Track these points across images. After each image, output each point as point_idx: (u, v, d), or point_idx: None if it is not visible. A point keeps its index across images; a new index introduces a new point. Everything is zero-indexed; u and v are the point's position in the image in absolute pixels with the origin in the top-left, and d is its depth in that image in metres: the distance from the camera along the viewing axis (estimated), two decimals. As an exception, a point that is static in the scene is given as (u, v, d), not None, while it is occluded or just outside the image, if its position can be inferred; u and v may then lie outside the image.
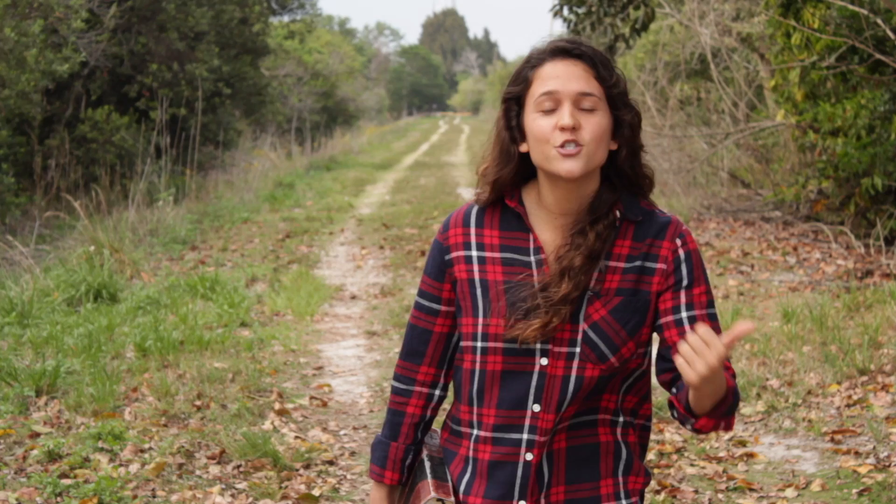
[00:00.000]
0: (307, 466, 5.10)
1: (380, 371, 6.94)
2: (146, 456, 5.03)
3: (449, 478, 2.20)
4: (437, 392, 2.26)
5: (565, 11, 10.72)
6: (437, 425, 2.42)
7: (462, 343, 2.18)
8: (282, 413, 5.84)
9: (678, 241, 2.12)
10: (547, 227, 2.14)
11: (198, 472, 4.91)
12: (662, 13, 14.51)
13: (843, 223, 10.90)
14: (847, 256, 9.83)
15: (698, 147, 14.49)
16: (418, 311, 2.25)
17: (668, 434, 5.49)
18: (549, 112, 2.07)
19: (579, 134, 2.05)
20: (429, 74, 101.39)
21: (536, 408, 2.10)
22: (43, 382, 5.93)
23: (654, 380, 2.21)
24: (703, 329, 1.90)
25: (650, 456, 5.15)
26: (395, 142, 42.84)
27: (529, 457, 2.12)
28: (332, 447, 5.39)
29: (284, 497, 4.67)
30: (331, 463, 5.17)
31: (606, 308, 2.09)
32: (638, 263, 2.11)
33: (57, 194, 13.54)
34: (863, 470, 4.81)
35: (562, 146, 2.05)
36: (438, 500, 2.16)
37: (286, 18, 25.60)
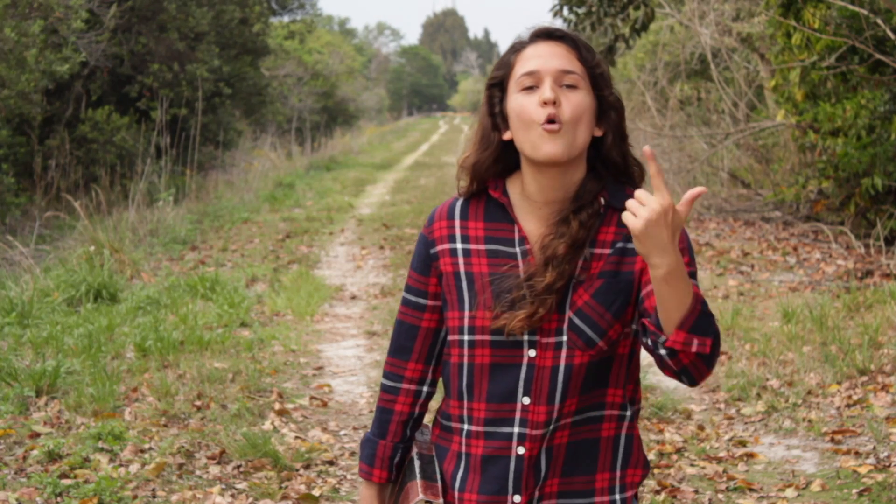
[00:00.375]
0: (307, 466, 5.10)
1: (380, 371, 6.92)
2: (146, 456, 5.03)
3: (439, 477, 2.18)
4: (426, 388, 2.24)
5: (565, 11, 10.72)
6: (428, 420, 2.40)
7: (449, 337, 2.16)
8: (282, 413, 5.84)
9: None
10: (531, 217, 2.11)
11: (198, 473, 4.91)
12: (662, 13, 14.51)
13: (843, 223, 10.90)
14: (847, 256, 9.83)
15: (698, 147, 14.49)
16: (405, 306, 2.22)
17: (668, 434, 5.49)
18: (530, 90, 2.05)
19: (560, 110, 2.02)
20: (429, 74, 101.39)
21: (526, 400, 2.08)
22: (43, 382, 5.93)
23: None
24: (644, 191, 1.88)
25: (650, 456, 5.15)
26: (395, 142, 42.84)
27: (521, 450, 2.09)
28: (332, 447, 5.39)
29: (284, 497, 4.67)
30: (331, 463, 5.17)
31: (589, 293, 2.06)
32: (619, 246, 2.08)
33: (57, 194, 13.54)
34: (863, 470, 4.81)
35: (545, 123, 2.01)
36: (427, 502, 2.14)
37: (286, 19, 25.62)
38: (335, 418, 5.96)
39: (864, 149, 10.05)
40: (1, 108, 11.74)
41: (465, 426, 2.14)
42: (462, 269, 2.12)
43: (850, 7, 9.17)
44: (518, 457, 2.09)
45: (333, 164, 25.58)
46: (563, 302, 2.06)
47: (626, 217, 1.87)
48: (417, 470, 2.19)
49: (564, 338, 2.06)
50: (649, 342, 2.02)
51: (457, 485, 2.16)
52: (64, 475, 4.73)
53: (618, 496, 2.14)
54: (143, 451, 5.10)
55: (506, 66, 2.10)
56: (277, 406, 5.93)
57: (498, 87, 2.12)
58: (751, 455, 5.18)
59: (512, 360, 2.08)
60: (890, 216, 10.04)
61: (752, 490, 4.75)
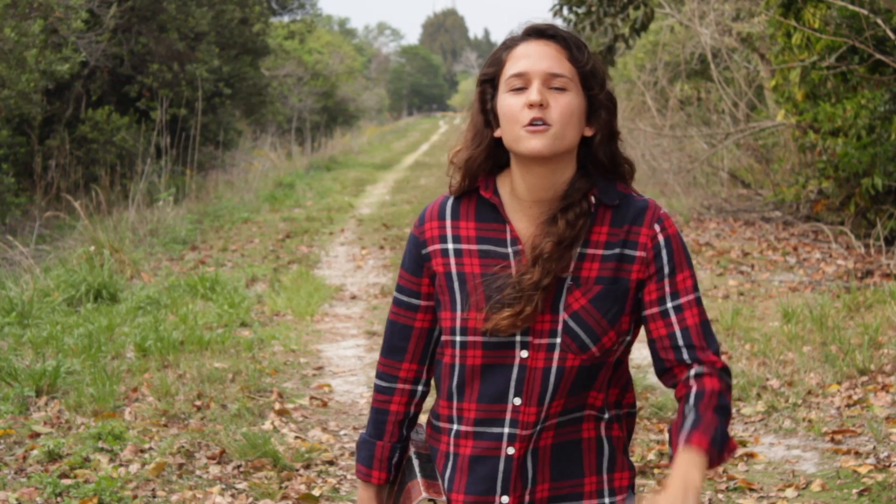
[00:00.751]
0: (307, 466, 5.10)
1: (380, 371, 6.93)
2: (146, 456, 5.03)
3: (438, 476, 2.18)
4: (420, 388, 2.23)
5: (565, 11, 10.72)
6: (422, 419, 2.40)
7: (442, 337, 2.15)
8: (282, 413, 5.84)
9: (657, 227, 2.07)
10: (522, 217, 2.10)
11: (198, 472, 4.91)
12: (662, 13, 14.51)
13: (843, 223, 10.90)
14: (847, 256, 9.83)
15: (698, 147, 14.49)
16: (397, 306, 2.21)
17: (667, 434, 5.49)
18: (519, 91, 2.04)
19: (547, 112, 2.02)
20: (429, 74, 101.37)
21: (517, 401, 2.07)
22: (43, 382, 5.93)
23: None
24: None
25: (650, 456, 5.15)
26: (395, 142, 42.83)
27: (511, 451, 2.08)
28: (333, 447, 5.39)
29: (284, 497, 4.67)
30: (331, 463, 5.17)
31: (587, 297, 2.05)
32: (617, 251, 2.06)
33: (57, 194, 13.54)
34: (863, 470, 4.81)
35: (529, 124, 2.01)
36: (430, 500, 2.13)
37: (286, 19, 25.60)
38: (335, 418, 5.96)
39: (864, 149, 10.04)
40: (1, 108, 11.74)
41: (454, 426, 2.13)
42: (454, 269, 2.11)
43: (850, 7, 9.16)
44: (507, 457, 2.09)
45: (333, 164, 25.58)
46: (557, 303, 2.05)
47: None
48: (417, 469, 2.18)
49: (558, 340, 2.05)
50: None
51: (445, 485, 2.15)
52: (64, 475, 4.72)
53: (607, 500, 2.14)
54: (143, 451, 5.10)
55: (497, 62, 2.09)
56: (277, 406, 5.93)
57: (490, 84, 2.11)
58: (751, 455, 5.18)
59: (504, 361, 2.07)
60: (890, 216, 10.04)
61: (752, 490, 4.75)
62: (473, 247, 2.11)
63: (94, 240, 9.80)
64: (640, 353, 6.30)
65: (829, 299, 7.89)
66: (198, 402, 5.89)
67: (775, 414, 5.71)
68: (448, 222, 2.14)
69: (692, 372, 2.04)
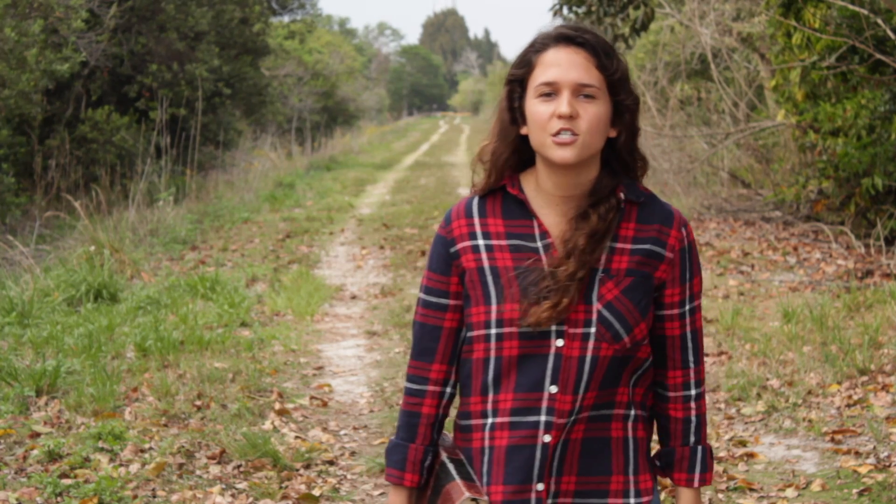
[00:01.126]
0: (307, 466, 5.10)
1: (380, 371, 6.94)
2: (146, 456, 5.03)
3: (475, 477, 2.19)
4: (449, 389, 2.26)
5: (565, 11, 10.72)
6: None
7: (472, 333, 2.17)
8: (282, 413, 5.84)
9: (683, 231, 2.18)
10: (549, 211, 2.17)
11: (198, 472, 4.91)
12: (662, 13, 14.51)
13: (843, 223, 10.90)
14: (847, 256, 9.83)
15: (698, 147, 14.49)
16: (426, 308, 2.23)
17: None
18: (549, 98, 2.10)
19: (576, 123, 2.08)
20: (429, 74, 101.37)
21: (553, 389, 2.12)
22: (43, 382, 5.93)
23: None
24: None
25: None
26: (395, 142, 42.83)
27: (547, 439, 2.13)
28: (333, 447, 5.39)
29: (284, 497, 4.67)
30: (331, 463, 5.17)
31: (619, 288, 2.12)
32: (647, 246, 2.15)
33: (57, 194, 13.53)
34: (863, 470, 4.81)
35: (557, 134, 2.08)
36: (473, 499, 2.14)
37: (286, 18, 25.60)
38: (335, 418, 5.97)
39: (864, 149, 10.04)
40: (1, 108, 11.74)
41: (489, 420, 2.17)
42: (486, 264, 2.16)
43: (851, 7, 9.16)
44: (544, 445, 2.13)
45: (333, 164, 25.57)
46: (590, 293, 2.11)
47: None
48: (454, 471, 2.19)
49: (592, 329, 2.11)
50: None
51: (484, 479, 2.18)
52: (64, 475, 4.73)
53: (633, 500, 2.19)
54: (143, 451, 5.10)
55: (527, 64, 2.15)
56: (277, 406, 5.94)
57: (518, 84, 2.17)
58: (751, 455, 5.18)
59: (539, 351, 2.12)
60: (890, 216, 10.04)
61: (752, 490, 4.75)
62: (504, 242, 2.16)
63: (94, 240, 9.80)
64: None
65: (829, 299, 7.89)
66: (198, 402, 5.89)
67: (775, 414, 5.71)
68: (476, 219, 2.19)
69: (691, 392, 2.24)
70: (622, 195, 2.15)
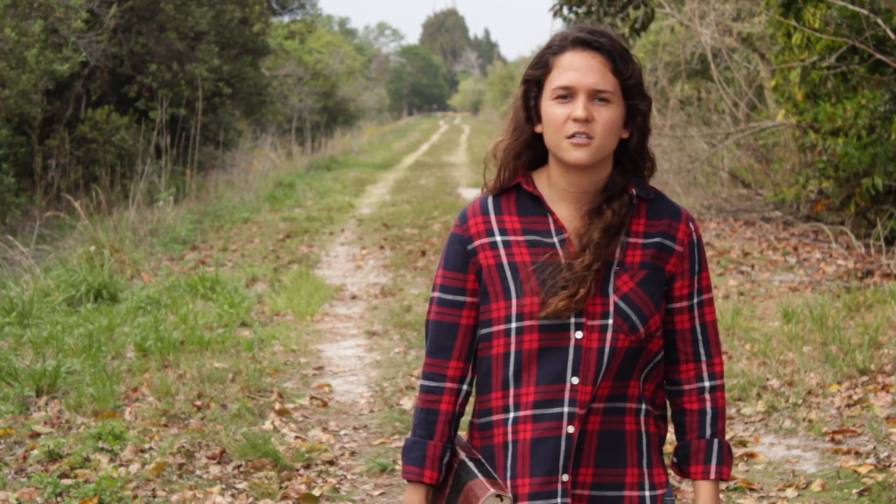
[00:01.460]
0: (307, 466, 5.10)
1: (380, 371, 6.94)
2: (146, 456, 5.03)
3: (496, 475, 2.21)
4: (465, 387, 2.28)
5: (565, 11, 10.72)
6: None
7: (492, 329, 2.21)
8: (282, 413, 5.84)
9: (691, 226, 2.25)
10: (563, 207, 2.22)
11: (198, 472, 4.91)
12: (662, 13, 14.51)
13: (843, 223, 10.90)
14: (847, 256, 9.83)
15: (698, 147, 14.49)
16: (441, 306, 2.26)
17: (668, 434, 5.48)
18: (565, 101, 2.16)
19: (591, 126, 2.14)
20: (429, 74, 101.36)
21: (575, 380, 2.16)
22: (43, 382, 5.93)
23: None
24: None
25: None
26: (395, 142, 42.83)
27: (571, 429, 2.17)
28: (333, 447, 5.39)
29: (284, 497, 4.67)
30: (331, 463, 5.17)
31: (634, 280, 2.18)
32: (658, 240, 2.21)
33: (57, 194, 13.54)
34: (863, 470, 4.81)
35: (572, 136, 2.14)
36: (497, 495, 2.14)
37: (286, 19, 25.61)
38: (335, 418, 5.97)
39: (864, 149, 10.04)
40: (1, 108, 11.74)
41: (511, 414, 2.20)
42: (504, 259, 2.21)
43: (851, 7, 9.16)
44: (568, 436, 2.17)
45: (333, 164, 25.57)
46: (606, 286, 2.17)
47: None
48: (475, 469, 2.21)
49: (610, 321, 2.16)
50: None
51: (508, 473, 2.20)
52: (64, 475, 4.73)
53: (647, 493, 2.23)
54: (143, 451, 5.10)
55: (543, 66, 2.21)
56: (277, 406, 5.94)
57: (535, 83, 2.22)
58: (751, 455, 5.18)
59: (559, 343, 2.16)
60: (890, 216, 10.04)
61: (752, 490, 4.75)
62: (521, 238, 2.21)
63: (94, 240, 9.80)
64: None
65: (829, 299, 7.89)
66: (198, 402, 5.89)
67: (775, 414, 5.71)
68: (492, 216, 2.24)
69: (707, 384, 2.27)
70: (633, 192, 2.22)
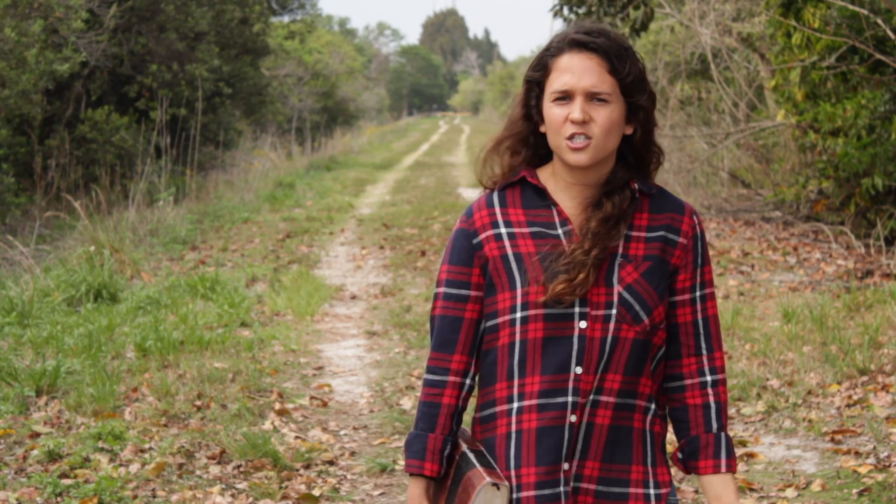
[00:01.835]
0: (307, 466, 5.10)
1: (380, 371, 6.94)
2: (146, 456, 5.03)
3: (496, 466, 2.22)
4: (468, 381, 2.29)
5: (565, 11, 10.72)
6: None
7: (498, 320, 2.23)
8: (282, 413, 5.84)
9: (694, 219, 2.29)
10: (567, 198, 2.26)
11: (198, 472, 4.91)
12: (662, 13, 14.51)
13: (843, 223, 10.90)
14: (847, 256, 9.83)
15: (698, 147, 14.49)
16: (446, 300, 2.28)
17: (668, 434, 5.49)
18: (563, 102, 2.19)
19: (589, 127, 2.17)
20: (429, 74, 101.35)
21: (579, 370, 2.18)
22: (43, 382, 5.93)
23: None
24: None
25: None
26: (395, 142, 42.83)
27: (573, 419, 2.19)
28: (333, 447, 5.39)
29: (284, 497, 4.67)
30: (331, 463, 5.17)
31: (638, 271, 2.21)
32: (661, 234, 2.24)
33: (57, 194, 13.54)
34: (863, 470, 4.81)
35: (570, 138, 2.17)
36: (494, 484, 2.15)
37: (286, 19, 25.60)
38: (335, 418, 5.97)
39: (864, 149, 10.04)
40: (1, 108, 11.74)
41: (516, 404, 2.21)
42: (510, 251, 2.23)
43: (851, 7, 9.16)
44: (571, 425, 2.19)
45: (333, 164, 25.57)
46: (610, 277, 2.19)
47: None
48: (474, 460, 2.22)
49: (614, 311, 2.19)
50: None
51: (511, 464, 2.21)
52: (64, 475, 4.73)
53: (652, 491, 2.24)
54: (143, 451, 5.10)
55: (542, 68, 2.25)
56: (277, 406, 5.94)
57: (536, 84, 2.26)
58: (751, 455, 5.18)
59: (563, 333, 2.18)
60: (890, 216, 10.04)
61: (752, 490, 4.75)
62: (525, 230, 2.24)
63: (94, 240, 9.80)
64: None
65: (829, 299, 7.89)
66: (198, 402, 5.89)
67: (775, 414, 5.71)
68: (497, 209, 2.27)
69: (709, 379, 2.28)
70: (636, 186, 2.25)
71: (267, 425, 5.61)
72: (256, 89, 19.64)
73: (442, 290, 2.29)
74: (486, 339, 2.26)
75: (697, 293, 2.28)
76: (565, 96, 2.18)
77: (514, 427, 2.21)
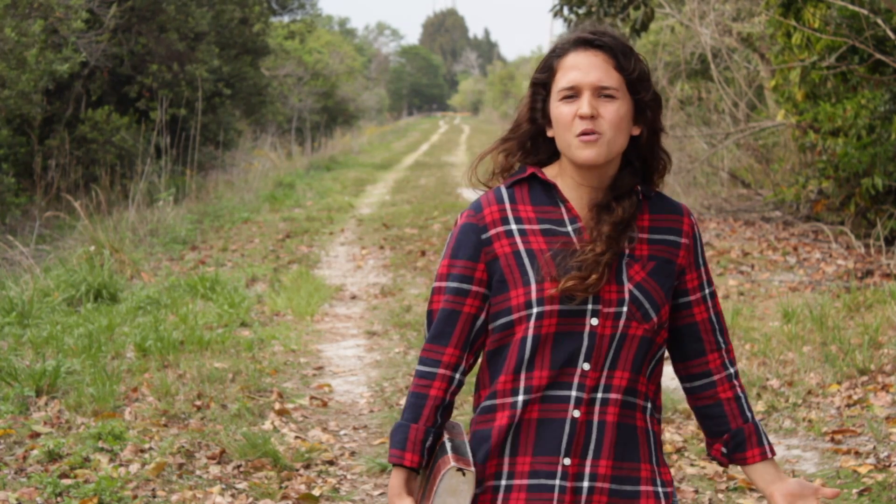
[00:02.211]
0: (307, 466, 5.10)
1: (380, 371, 6.94)
2: (146, 456, 5.03)
3: (471, 455, 2.23)
4: (458, 376, 2.28)
5: (565, 11, 10.72)
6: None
7: (512, 317, 2.22)
8: (282, 413, 5.84)
9: (692, 219, 2.32)
10: (575, 197, 2.27)
11: (198, 472, 4.91)
12: (662, 13, 14.51)
13: (843, 223, 10.90)
14: (847, 256, 9.83)
15: (698, 147, 14.49)
16: (445, 294, 2.28)
17: (668, 434, 5.49)
18: (571, 100, 2.20)
19: (598, 122, 2.19)
20: (429, 74, 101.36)
21: (586, 366, 2.20)
22: (43, 382, 5.93)
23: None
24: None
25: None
26: (395, 142, 42.83)
27: (577, 413, 2.19)
28: (332, 447, 5.39)
29: (284, 497, 4.67)
30: (331, 463, 5.17)
31: (645, 270, 2.24)
32: (663, 235, 2.27)
33: (57, 194, 13.54)
34: (863, 470, 4.81)
35: (580, 134, 2.18)
36: (459, 469, 2.15)
37: (286, 19, 25.60)
38: (335, 418, 5.97)
39: (864, 149, 10.04)
40: (1, 108, 11.75)
41: (520, 397, 2.22)
42: (522, 247, 2.24)
43: (850, 7, 9.17)
44: (573, 419, 2.20)
45: (333, 164, 25.57)
46: (620, 275, 2.22)
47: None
48: (448, 448, 2.23)
49: (624, 308, 2.21)
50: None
51: (507, 451, 2.22)
52: (64, 475, 4.73)
53: (660, 489, 2.26)
54: (143, 451, 5.10)
55: (548, 69, 2.27)
56: (277, 406, 5.94)
57: (542, 86, 2.27)
58: (751, 455, 5.17)
59: (574, 329, 2.20)
60: (890, 216, 10.04)
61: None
62: (536, 227, 2.25)
63: (94, 240, 9.80)
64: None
65: (829, 299, 7.89)
66: (198, 402, 5.89)
67: (775, 414, 5.72)
68: (507, 205, 2.28)
69: (731, 371, 2.32)
70: (639, 189, 2.28)
71: (267, 425, 5.61)
72: (256, 89, 19.64)
73: (443, 284, 2.28)
74: (496, 336, 2.25)
75: (706, 290, 2.31)
76: (573, 93, 2.20)
77: (516, 419, 2.21)
